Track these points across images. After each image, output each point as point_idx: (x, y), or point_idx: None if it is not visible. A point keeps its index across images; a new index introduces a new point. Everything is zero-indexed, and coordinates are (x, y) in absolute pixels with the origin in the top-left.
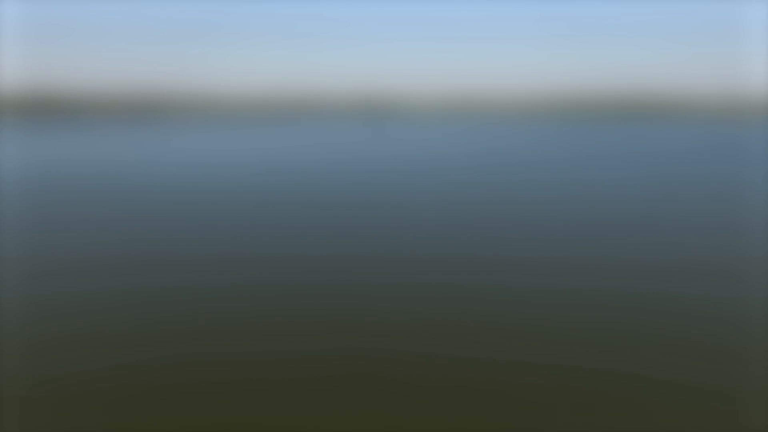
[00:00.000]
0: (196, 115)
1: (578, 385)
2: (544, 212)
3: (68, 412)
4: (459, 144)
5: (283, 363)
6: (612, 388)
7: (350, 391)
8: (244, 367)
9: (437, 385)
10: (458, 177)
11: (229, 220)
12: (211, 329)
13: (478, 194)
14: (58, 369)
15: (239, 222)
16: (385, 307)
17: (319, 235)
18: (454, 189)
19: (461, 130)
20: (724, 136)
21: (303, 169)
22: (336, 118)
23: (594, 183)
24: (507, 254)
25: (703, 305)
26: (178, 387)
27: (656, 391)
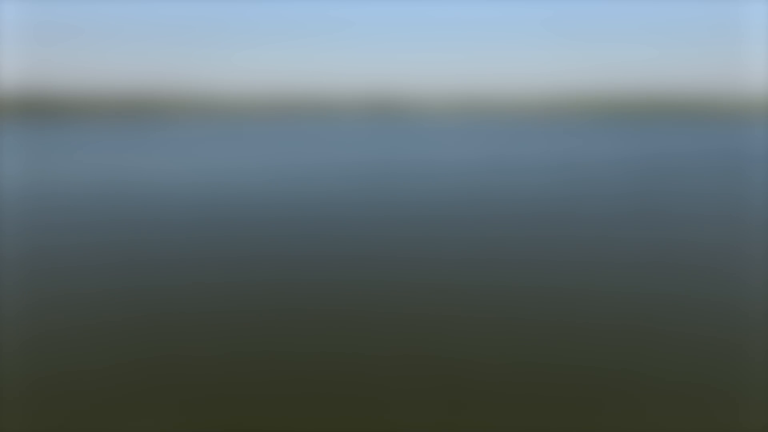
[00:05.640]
0: (202, 115)
1: (577, 383)
2: (545, 210)
3: (68, 411)
4: (472, 146)
5: (292, 364)
6: (611, 386)
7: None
8: (247, 367)
9: (439, 384)
10: (471, 178)
11: (233, 221)
12: (212, 329)
13: (488, 195)
14: (56, 368)
15: (246, 222)
16: (395, 307)
17: (328, 236)
18: (469, 189)
19: (473, 131)
20: (733, 136)
21: (311, 169)
22: (344, 118)
23: (597, 182)
24: (506, 253)
25: (705, 304)
26: (175, 386)
27: (656, 388)
